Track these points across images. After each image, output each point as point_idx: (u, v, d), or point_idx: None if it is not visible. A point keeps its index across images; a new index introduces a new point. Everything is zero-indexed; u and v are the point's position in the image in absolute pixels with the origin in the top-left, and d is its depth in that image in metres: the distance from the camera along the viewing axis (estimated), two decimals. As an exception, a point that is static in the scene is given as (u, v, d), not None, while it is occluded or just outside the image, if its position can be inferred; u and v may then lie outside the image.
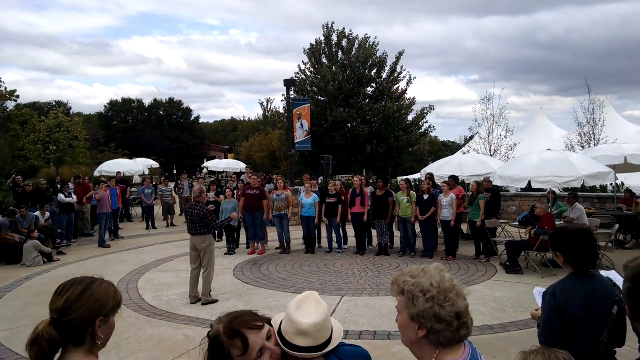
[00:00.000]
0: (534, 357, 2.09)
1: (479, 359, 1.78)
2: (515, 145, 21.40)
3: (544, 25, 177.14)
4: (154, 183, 19.53)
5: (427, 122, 28.85)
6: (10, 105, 34.25)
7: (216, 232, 12.90)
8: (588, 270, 2.96)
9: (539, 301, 3.19)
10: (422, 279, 1.73)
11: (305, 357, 1.75)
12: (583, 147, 20.68)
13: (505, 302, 7.70)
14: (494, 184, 11.93)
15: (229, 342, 1.70)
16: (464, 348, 1.75)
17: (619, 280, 3.19)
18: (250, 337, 1.71)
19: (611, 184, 14.38)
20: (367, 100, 27.38)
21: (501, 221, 12.54)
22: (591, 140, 21.32)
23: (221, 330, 1.73)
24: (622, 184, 15.45)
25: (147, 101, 59.09)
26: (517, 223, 12.04)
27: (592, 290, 2.87)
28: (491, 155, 20.76)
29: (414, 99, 28.36)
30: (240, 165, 28.18)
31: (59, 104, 49.83)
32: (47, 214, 13.43)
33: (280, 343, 1.77)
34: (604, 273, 3.17)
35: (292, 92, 20.24)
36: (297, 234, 12.86)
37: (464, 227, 13.21)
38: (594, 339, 2.83)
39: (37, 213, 12.92)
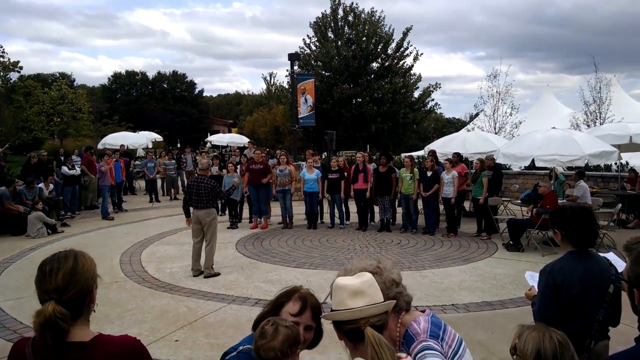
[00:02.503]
0: (529, 332, 2.20)
1: (441, 322, 1.92)
2: (520, 123, 21.25)
3: (553, 0, 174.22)
4: (158, 156, 19.56)
5: (432, 99, 28.68)
6: (14, 76, 34.16)
7: (219, 206, 13.03)
8: (587, 248, 2.97)
9: (531, 283, 3.22)
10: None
11: (370, 312, 1.71)
12: (588, 125, 20.52)
13: (504, 280, 7.75)
14: (497, 161, 11.89)
15: (299, 297, 2.09)
16: (423, 313, 1.95)
17: (616, 261, 3.20)
18: (306, 312, 2.06)
19: (615, 164, 14.31)
20: (373, 76, 27.13)
21: (503, 199, 12.54)
22: (597, 119, 21.13)
23: (303, 290, 2.13)
24: (627, 163, 15.39)
25: (151, 74, 58.78)
26: (519, 201, 12.04)
27: (590, 269, 2.89)
28: (495, 133, 20.64)
29: (419, 75, 28.13)
30: (243, 140, 28.08)
31: (63, 75, 49.58)
32: (51, 186, 13.49)
33: (337, 319, 1.75)
34: (602, 254, 3.18)
35: (296, 67, 20.09)
36: (299, 209, 12.90)
37: (466, 205, 13.23)
38: (590, 317, 2.85)
39: (41, 185, 12.98)
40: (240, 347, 2.06)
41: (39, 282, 1.74)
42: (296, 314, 2.06)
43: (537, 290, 3.08)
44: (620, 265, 3.20)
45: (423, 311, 2.00)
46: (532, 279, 3.19)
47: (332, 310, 1.77)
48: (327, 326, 1.89)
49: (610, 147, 11.05)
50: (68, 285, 1.70)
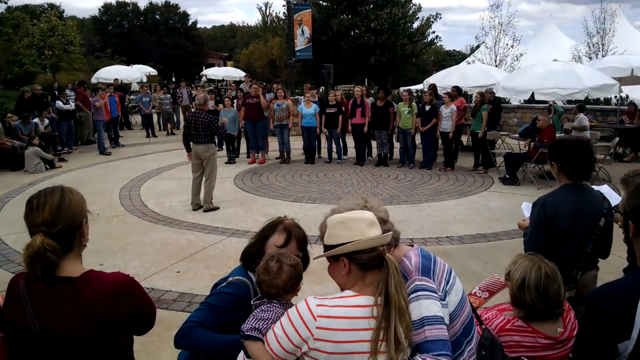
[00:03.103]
0: (522, 260, 2.31)
1: (430, 254, 1.98)
2: (521, 56, 20.86)
3: None
4: (153, 90, 19.26)
5: (433, 31, 28.05)
6: (1, 8, 33.03)
7: (216, 141, 13.00)
8: (582, 181, 3.00)
9: (527, 214, 3.27)
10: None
11: (387, 240, 1.81)
12: (590, 58, 20.17)
13: (499, 212, 7.87)
14: (497, 95, 11.77)
15: (283, 229, 2.23)
16: (412, 247, 2.02)
17: (609, 193, 3.24)
18: (292, 243, 2.20)
19: (615, 97, 14.18)
20: (372, 6, 26.32)
21: (501, 133, 12.51)
22: (599, 51, 20.75)
23: (287, 221, 2.30)
24: (627, 96, 15.25)
25: (142, 4, 56.93)
26: (517, 135, 12.02)
27: (582, 203, 2.92)
28: (496, 66, 20.29)
29: (419, 5, 27.35)
30: (239, 74, 27.62)
31: (51, 6, 47.92)
32: (46, 121, 13.37)
33: (364, 247, 1.75)
34: (595, 187, 3.22)
35: (292, -4, 19.42)
36: (297, 144, 12.89)
37: (464, 139, 13.22)
38: (578, 249, 2.92)
39: (36, 119, 12.85)
40: (230, 278, 2.15)
41: (27, 217, 1.77)
42: (282, 246, 2.15)
43: None
44: (613, 197, 3.25)
45: (411, 245, 2.04)
46: (528, 209, 3.24)
47: (337, 245, 1.77)
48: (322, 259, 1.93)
49: (611, 80, 10.92)
50: (55, 219, 1.72)
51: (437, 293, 1.82)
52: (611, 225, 2.98)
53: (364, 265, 1.76)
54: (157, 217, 7.79)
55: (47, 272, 1.70)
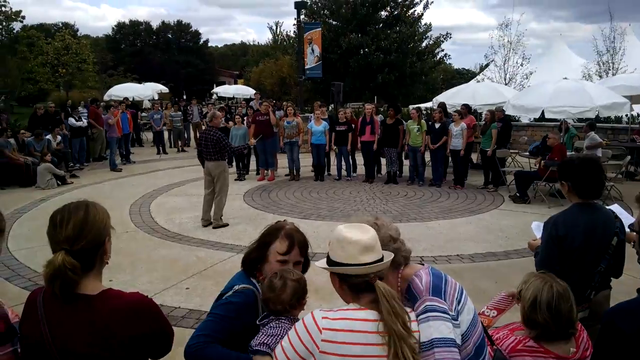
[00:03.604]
0: (534, 279, 2.30)
1: (441, 273, 1.95)
2: (530, 74, 20.87)
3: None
4: (164, 108, 19.44)
5: (442, 50, 28.18)
6: (17, 26, 33.68)
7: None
8: (593, 199, 2.96)
9: (537, 234, 3.24)
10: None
11: (380, 268, 1.77)
12: (601, 76, 20.13)
13: (510, 231, 7.81)
14: (506, 113, 11.77)
15: (285, 236, 2.16)
16: (423, 266, 1.98)
17: (621, 212, 3.20)
18: (294, 250, 2.14)
19: (626, 115, 14.11)
20: (381, 25, 26.54)
21: (512, 151, 12.47)
22: (609, 69, 20.72)
23: (288, 226, 2.22)
24: (638, 115, 15.17)
25: (155, 23, 57.80)
26: (527, 153, 11.97)
27: (593, 222, 2.89)
28: (506, 84, 20.30)
29: (429, 24, 27.53)
30: (249, 91, 27.83)
31: (66, 25, 48.82)
32: (59, 138, 13.52)
33: (350, 273, 1.75)
34: (607, 206, 3.18)
35: (302, 15, 19.66)
36: (306, 161, 12.92)
37: (474, 157, 13.19)
38: (591, 269, 2.88)
39: (49, 136, 13.01)
40: (236, 287, 2.14)
41: (50, 232, 1.73)
42: (284, 253, 2.15)
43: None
44: (625, 217, 3.21)
45: (421, 264, 2.02)
46: (539, 229, 3.21)
47: (336, 262, 1.78)
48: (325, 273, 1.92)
49: (622, 99, 10.87)
50: (79, 236, 1.70)
51: (448, 314, 1.78)
52: (623, 244, 2.95)
53: (354, 287, 1.76)
54: (166, 234, 7.81)
55: (66, 291, 1.68)
